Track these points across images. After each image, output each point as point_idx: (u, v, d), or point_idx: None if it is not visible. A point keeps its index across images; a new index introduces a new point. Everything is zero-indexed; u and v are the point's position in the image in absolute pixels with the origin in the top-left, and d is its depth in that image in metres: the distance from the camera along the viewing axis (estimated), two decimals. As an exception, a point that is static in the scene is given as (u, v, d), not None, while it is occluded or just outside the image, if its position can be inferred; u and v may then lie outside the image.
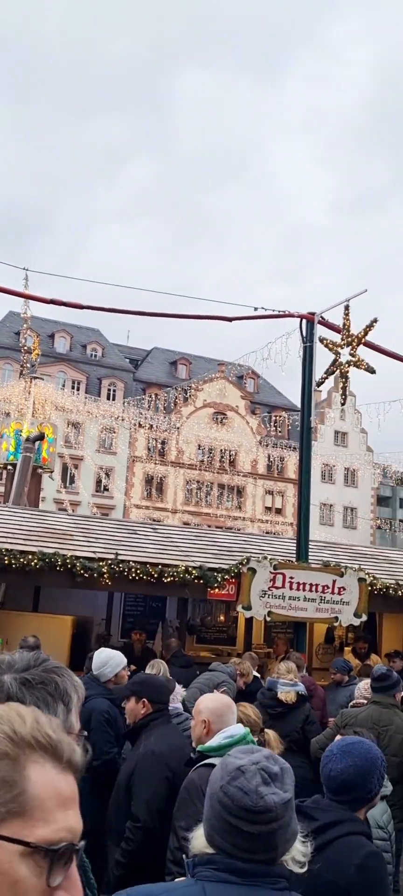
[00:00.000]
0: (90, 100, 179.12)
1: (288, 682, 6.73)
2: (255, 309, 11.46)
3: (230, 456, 54.54)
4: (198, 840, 1.87)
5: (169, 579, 10.08)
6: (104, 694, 5.84)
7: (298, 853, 1.84)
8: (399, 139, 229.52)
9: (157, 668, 7.26)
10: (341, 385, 11.38)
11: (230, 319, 11.88)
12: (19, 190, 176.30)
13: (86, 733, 1.87)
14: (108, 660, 6.12)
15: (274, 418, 51.93)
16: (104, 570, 9.77)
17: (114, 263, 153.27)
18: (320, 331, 11.16)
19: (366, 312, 10.95)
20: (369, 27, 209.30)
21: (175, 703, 5.32)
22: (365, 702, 6.58)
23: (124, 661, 6.25)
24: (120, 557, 10.06)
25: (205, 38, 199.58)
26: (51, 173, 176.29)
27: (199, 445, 53.82)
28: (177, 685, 5.91)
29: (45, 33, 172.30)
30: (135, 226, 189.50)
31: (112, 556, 10.00)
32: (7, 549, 9.41)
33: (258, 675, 8.25)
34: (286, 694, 6.65)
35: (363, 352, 10.92)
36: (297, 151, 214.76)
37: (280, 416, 45.21)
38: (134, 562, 10.11)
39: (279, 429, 53.46)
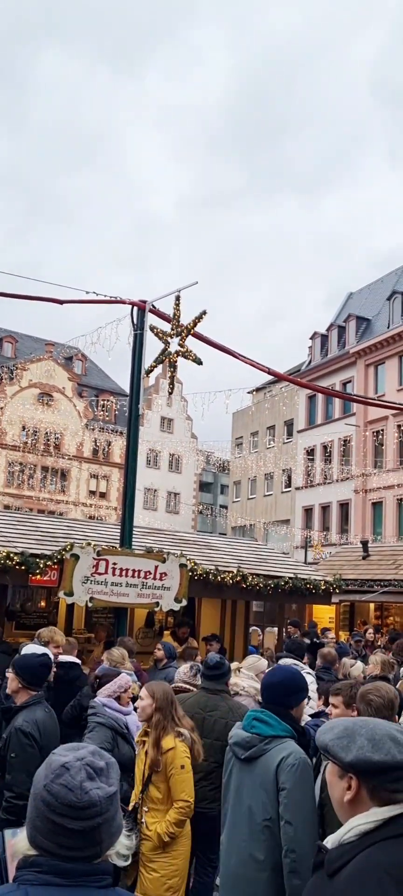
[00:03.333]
0: None
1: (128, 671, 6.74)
2: (87, 293, 11.36)
3: (55, 438, 53.55)
4: (21, 843, 1.82)
5: (-12, 565, 9.76)
6: None
7: (122, 847, 1.85)
8: (250, 145, 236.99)
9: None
10: (169, 374, 11.59)
11: (61, 302, 11.71)
12: None
13: None
14: None
15: (101, 402, 51.75)
16: None
17: None
18: (151, 319, 11.29)
19: (199, 306, 11.24)
20: (230, 35, 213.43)
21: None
22: (183, 685, 6.78)
23: None
24: None
25: (67, 20, 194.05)
26: None
27: (24, 426, 52.34)
28: None
29: None
30: None
31: None
32: None
33: (78, 661, 8.21)
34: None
35: (191, 342, 11.18)
36: (151, 144, 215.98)
37: (107, 401, 45.06)
38: None
39: (106, 413, 53.41)
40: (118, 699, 5.83)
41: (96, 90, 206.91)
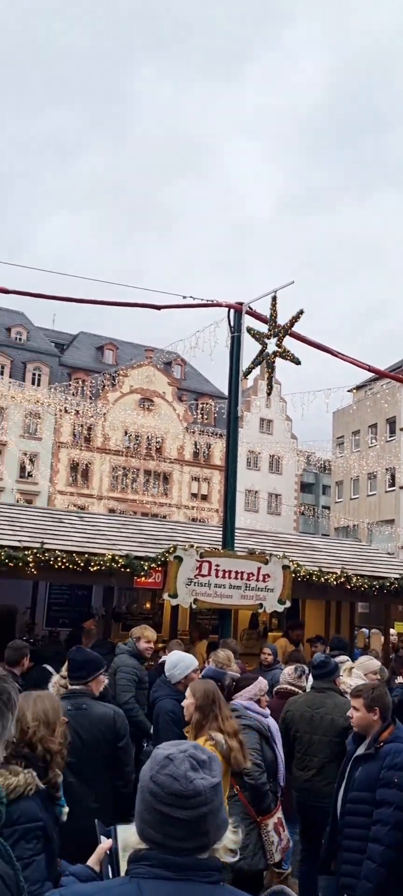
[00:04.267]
0: (42, 93, 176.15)
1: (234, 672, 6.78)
2: (184, 298, 11.48)
3: (156, 442, 54.47)
4: (132, 837, 1.87)
5: (95, 568, 10.03)
6: (172, 695, 6.02)
7: (230, 842, 1.86)
8: (347, 142, 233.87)
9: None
10: (267, 375, 11.54)
11: (159, 307, 11.87)
12: None
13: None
14: (178, 662, 6.23)
15: (200, 405, 52.29)
16: (29, 559, 9.63)
17: (63, 252, 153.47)
18: (248, 321, 11.29)
19: (296, 305, 11.15)
20: (326, 33, 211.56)
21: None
22: (289, 687, 6.79)
23: (195, 663, 6.31)
24: (45, 546, 9.93)
25: (163, 35, 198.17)
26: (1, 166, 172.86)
27: (126, 432, 53.51)
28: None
29: None
30: (85, 215, 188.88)
31: (37, 545, 9.87)
32: None
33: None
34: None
35: (289, 342, 11.11)
36: (248, 148, 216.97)
37: (207, 404, 45.56)
38: (60, 550, 10.01)
39: (205, 416, 53.86)
40: (258, 702, 5.85)
41: (193, 100, 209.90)
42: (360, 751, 4.70)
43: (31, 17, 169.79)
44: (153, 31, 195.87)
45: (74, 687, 4.98)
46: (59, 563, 9.85)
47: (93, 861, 2.41)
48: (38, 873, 2.88)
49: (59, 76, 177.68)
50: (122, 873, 2.29)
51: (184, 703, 5.21)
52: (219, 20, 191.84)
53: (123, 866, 2.26)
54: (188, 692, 5.13)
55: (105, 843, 2.37)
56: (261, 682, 5.97)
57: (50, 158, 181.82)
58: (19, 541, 10.03)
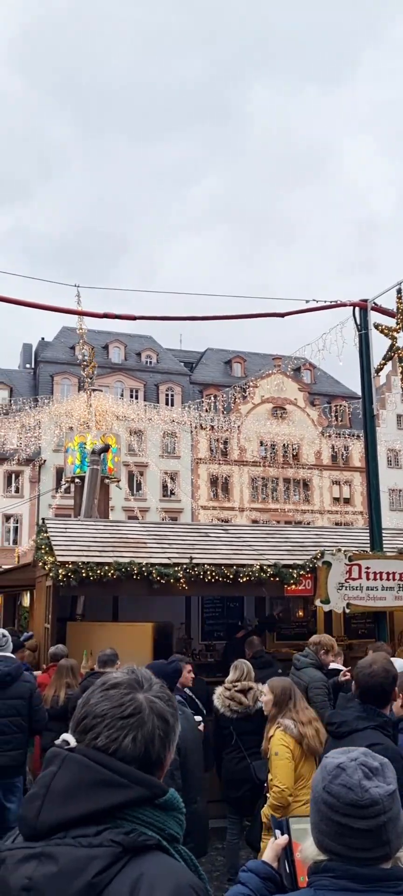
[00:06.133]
0: (158, 121, 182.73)
1: None
2: (307, 301, 11.35)
3: (293, 449, 54.17)
4: (310, 849, 1.84)
5: (244, 579, 10.09)
6: None
7: None
8: None
9: (240, 668, 7.29)
10: (400, 370, 11.22)
11: (282, 315, 11.80)
12: (99, 217, 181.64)
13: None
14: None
15: (334, 408, 51.44)
16: (180, 574, 9.83)
17: (191, 274, 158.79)
18: (374, 317, 11.02)
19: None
20: None
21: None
22: None
23: None
24: (194, 561, 10.10)
25: (271, 50, 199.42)
26: (126, 197, 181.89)
27: (261, 442, 53.61)
28: None
29: (112, 66, 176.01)
30: (208, 236, 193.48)
31: (186, 561, 10.06)
32: (84, 562, 9.55)
33: (341, 668, 8.16)
34: None
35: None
36: (365, 146, 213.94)
37: (340, 406, 44.80)
38: (208, 564, 10.15)
39: (340, 418, 52.92)
40: None
41: (306, 108, 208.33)
42: None
43: (144, 53, 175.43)
44: (260, 50, 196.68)
45: None
46: (209, 577, 9.98)
47: (270, 857, 2.38)
48: None
49: (170, 107, 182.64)
50: (296, 865, 2.27)
51: (262, 700, 5.59)
52: (324, 24, 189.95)
53: (297, 861, 2.24)
54: (266, 689, 5.47)
55: (281, 839, 2.34)
56: None
57: (170, 186, 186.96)
58: (169, 558, 10.27)
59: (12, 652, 7.18)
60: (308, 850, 1.86)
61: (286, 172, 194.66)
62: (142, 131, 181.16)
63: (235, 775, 7.04)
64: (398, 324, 10.77)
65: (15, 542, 46.16)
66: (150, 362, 58.62)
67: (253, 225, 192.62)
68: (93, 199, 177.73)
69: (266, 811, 5.13)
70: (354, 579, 10.18)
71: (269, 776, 5.22)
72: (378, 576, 10.30)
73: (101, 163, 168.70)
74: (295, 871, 2.27)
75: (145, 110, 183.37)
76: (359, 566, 10.23)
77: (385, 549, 10.89)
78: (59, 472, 36.42)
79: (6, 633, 7.15)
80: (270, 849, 2.37)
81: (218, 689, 6.54)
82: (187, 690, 6.95)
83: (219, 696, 6.40)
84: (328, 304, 11.36)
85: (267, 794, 5.28)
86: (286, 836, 2.32)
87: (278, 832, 2.40)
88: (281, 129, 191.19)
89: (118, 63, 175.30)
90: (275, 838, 2.38)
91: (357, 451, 53.72)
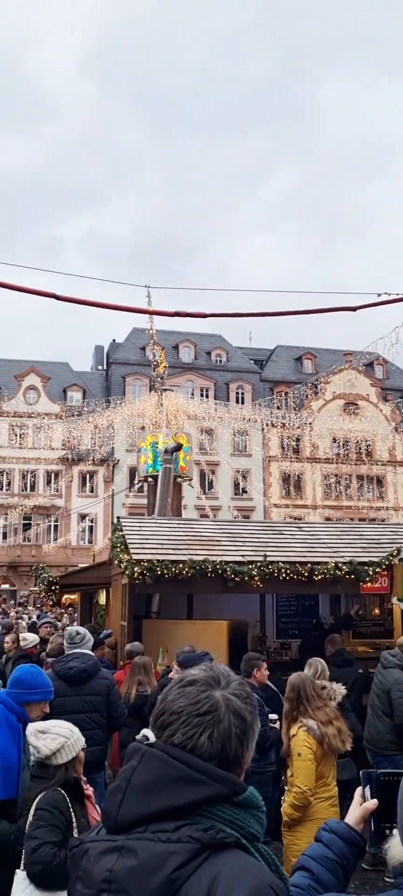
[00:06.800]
0: (230, 120, 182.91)
1: None
2: (379, 295, 11.11)
3: (366, 446, 53.31)
4: (397, 848, 1.80)
5: (319, 577, 9.98)
6: None
7: None
8: None
9: (315, 666, 7.20)
10: None
11: (354, 309, 11.57)
12: (171, 219, 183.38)
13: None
14: None
15: (408, 402, 50.30)
16: (254, 572, 9.80)
17: (265, 271, 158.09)
18: None
19: None
20: None
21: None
22: None
23: None
24: (268, 559, 10.06)
25: (341, 43, 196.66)
26: (198, 197, 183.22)
27: (334, 438, 53.00)
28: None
29: (183, 69, 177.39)
30: (280, 233, 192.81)
31: (261, 559, 10.02)
32: (159, 560, 9.65)
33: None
34: None
35: None
36: None
37: (415, 400, 43.76)
38: (283, 562, 10.09)
39: (415, 412, 51.72)
40: None
41: (378, 100, 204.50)
42: None
43: (214, 54, 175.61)
44: (330, 43, 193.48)
45: None
46: (284, 575, 9.92)
47: (356, 819, 2.16)
48: None
49: (242, 106, 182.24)
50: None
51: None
52: (396, 12, 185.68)
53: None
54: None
55: (370, 803, 2.14)
56: None
57: (242, 185, 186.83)
58: (243, 555, 10.26)
59: (92, 649, 7.29)
60: (395, 849, 1.81)
61: (358, 165, 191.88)
62: (213, 131, 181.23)
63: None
64: None
65: (90, 541, 47.06)
66: (220, 361, 58.72)
67: (326, 220, 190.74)
68: (165, 201, 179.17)
69: (286, 809, 5.19)
70: (433, 577, 9.94)
71: (289, 774, 5.27)
72: None
73: (174, 164, 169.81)
74: (379, 828, 2.06)
75: (216, 110, 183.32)
76: (438, 563, 9.98)
77: None
78: (132, 472, 36.92)
79: (82, 630, 7.27)
80: (357, 810, 2.16)
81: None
82: (269, 683, 6.98)
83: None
84: (400, 296, 11.11)
85: (285, 788, 5.36)
86: (375, 801, 2.13)
87: (367, 790, 2.13)
88: (353, 121, 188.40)
89: (189, 65, 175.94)
90: (363, 798, 2.14)
91: (432, 446, 52.50)
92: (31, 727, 3.95)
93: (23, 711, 4.40)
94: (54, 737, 3.86)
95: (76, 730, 4.00)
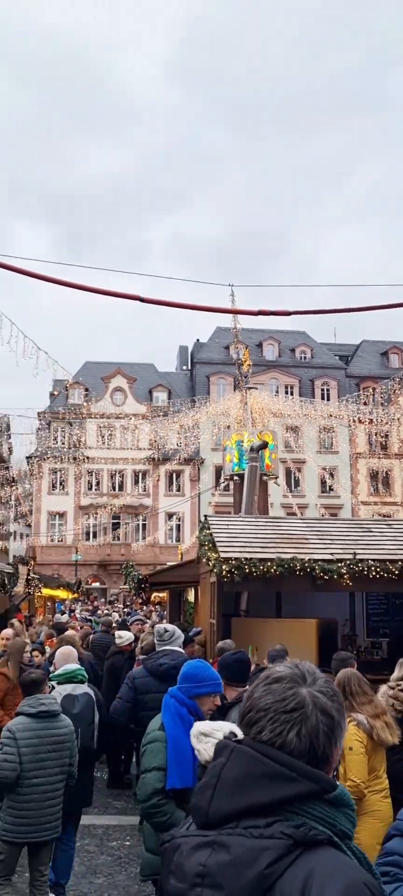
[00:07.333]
0: (313, 115, 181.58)
1: None
2: None
3: None
4: None
5: (410, 575, 9.78)
6: None
7: None
8: None
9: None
10: None
11: (442, 301, 11.26)
12: (256, 218, 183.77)
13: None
14: None
15: None
16: (343, 570, 9.70)
17: (351, 266, 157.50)
18: None
19: None
20: None
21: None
22: None
23: None
24: (358, 557, 9.92)
25: None
26: (283, 194, 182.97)
27: (423, 434, 51.61)
28: None
29: (266, 65, 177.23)
30: (369, 226, 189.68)
31: (350, 557, 9.90)
32: (246, 558, 9.66)
33: None
34: None
35: None
36: None
37: None
38: (372, 560, 9.93)
39: None
40: None
41: None
42: None
43: (296, 49, 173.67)
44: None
45: None
46: (373, 573, 9.78)
47: None
48: None
49: (325, 100, 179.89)
50: None
51: None
52: None
53: None
54: None
55: None
56: None
57: (327, 180, 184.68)
58: (332, 553, 10.15)
59: (182, 646, 7.37)
60: None
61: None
62: (296, 127, 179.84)
63: (400, 775, 6.83)
64: None
65: (178, 539, 47.60)
66: (305, 358, 58.20)
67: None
68: (249, 200, 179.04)
69: None
70: None
71: (341, 770, 5.23)
72: None
73: (256, 162, 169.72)
74: None
75: (299, 105, 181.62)
76: None
77: None
78: (218, 471, 37.08)
79: (170, 628, 7.35)
80: None
81: (383, 688, 6.37)
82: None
83: (383, 695, 6.25)
84: None
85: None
86: None
87: None
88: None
89: (272, 61, 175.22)
90: None
91: None
92: (195, 728, 3.97)
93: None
94: (216, 742, 3.85)
95: (238, 732, 4.00)
